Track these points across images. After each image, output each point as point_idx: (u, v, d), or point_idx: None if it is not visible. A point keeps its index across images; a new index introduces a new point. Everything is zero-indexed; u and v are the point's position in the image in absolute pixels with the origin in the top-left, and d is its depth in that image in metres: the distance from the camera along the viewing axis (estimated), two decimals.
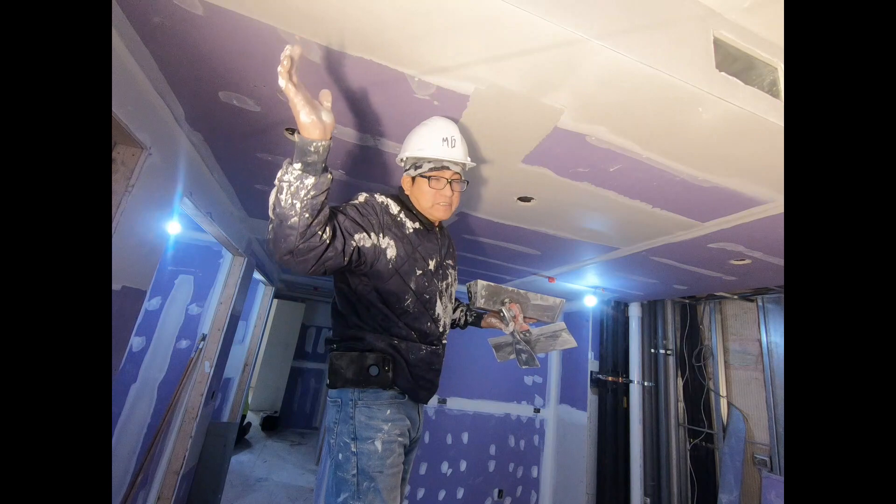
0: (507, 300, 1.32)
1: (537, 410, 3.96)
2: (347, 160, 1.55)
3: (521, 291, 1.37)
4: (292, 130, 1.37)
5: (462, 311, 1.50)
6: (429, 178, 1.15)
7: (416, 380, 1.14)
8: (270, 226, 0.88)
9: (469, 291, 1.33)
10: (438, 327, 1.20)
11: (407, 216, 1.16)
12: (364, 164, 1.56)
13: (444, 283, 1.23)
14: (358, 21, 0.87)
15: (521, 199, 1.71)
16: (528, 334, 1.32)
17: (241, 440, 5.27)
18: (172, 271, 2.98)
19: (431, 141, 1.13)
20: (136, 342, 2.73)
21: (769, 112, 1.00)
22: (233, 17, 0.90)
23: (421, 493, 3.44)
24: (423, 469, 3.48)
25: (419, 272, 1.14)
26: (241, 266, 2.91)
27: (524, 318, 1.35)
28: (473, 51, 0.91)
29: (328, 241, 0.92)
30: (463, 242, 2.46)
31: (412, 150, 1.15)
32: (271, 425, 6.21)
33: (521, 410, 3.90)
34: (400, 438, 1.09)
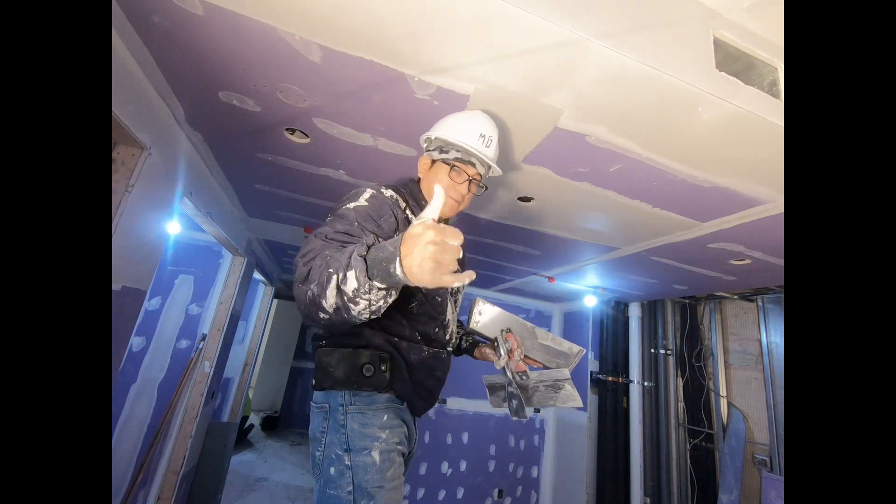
0: (506, 329, 1.13)
1: (537, 410, 3.96)
2: (347, 160, 1.55)
3: (531, 326, 1.17)
4: (292, 130, 1.37)
5: (459, 333, 1.32)
6: (452, 166, 1.05)
7: (416, 385, 1.03)
8: (324, 315, 0.74)
9: (470, 310, 1.18)
10: (446, 334, 1.12)
11: (413, 212, 1.04)
12: (364, 163, 1.56)
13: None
14: (358, 21, 0.87)
15: (521, 199, 1.71)
16: (524, 377, 1.10)
17: (242, 440, 5.27)
18: (172, 271, 2.98)
19: (468, 131, 1.04)
20: (136, 342, 2.73)
21: (769, 112, 1.00)
22: (233, 17, 0.90)
23: (421, 492, 3.44)
24: (423, 469, 3.48)
25: None
26: (241, 266, 2.91)
27: (525, 357, 1.14)
28: (473, 51, 0.91)
29: None
30: (463, 242, 2.46)
31: (444, 132, 1.05)
32: (271, 425, 6.21)
33: None
34: (399, 447, 0.98)
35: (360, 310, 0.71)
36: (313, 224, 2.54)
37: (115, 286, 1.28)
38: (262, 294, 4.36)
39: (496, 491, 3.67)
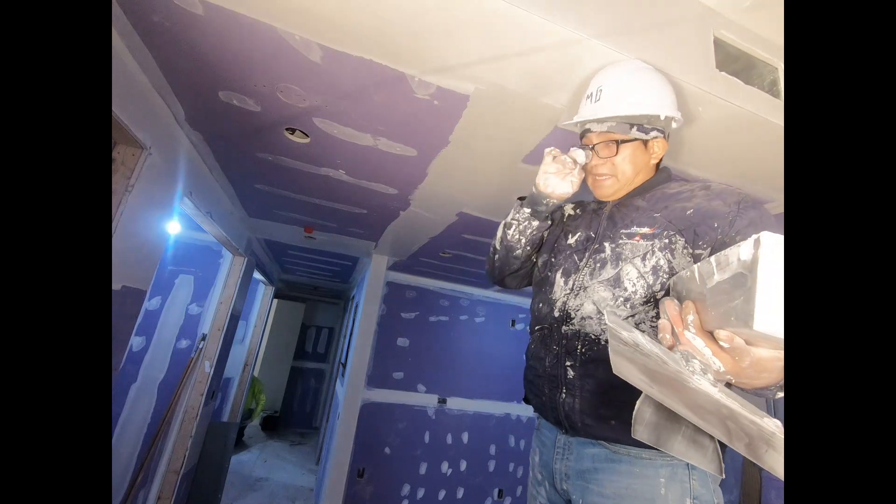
0: (665, 299, 0.60)
1: None
2: (347, 160, 1.55)
3: (689, 272, 0.58)
4: (292, 130, 1.37)
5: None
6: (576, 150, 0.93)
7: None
8: (496, 255, 1.08)
9: None
10: (554, 310, 0.98)
11: (576, 209, 1.05)
12: (364, 163, 1.56)
13: None
14: (358, 20, 0.87)
15: (521, 198, 1.70)
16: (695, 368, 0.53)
17: (240, 441, 5.26)
18: (172, 271, 2.98)
19: (581, 103, 0.92)
20: (136, 342, 2.73)
21: (769, 112, 1.00)
22: (233, 17, 0.90)
23: (421, 492, 3.44)
24: (423, 469, 3.48)
25: None
26: (241, 266, 2.91)
27: (694, 325, 0.54)
28: (473, 50, 0.91)
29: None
30: (463, 242, 2.46)
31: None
32: (271, 425, 6.21)
33: (522, 410, 3.89)
34: None
35: (513, 234, 1.01)
36: (313, 224, 2.54)
37: (115, 286, 1.28)
38: (262, 294, 4.36)
39: (496, 491, 3.67)
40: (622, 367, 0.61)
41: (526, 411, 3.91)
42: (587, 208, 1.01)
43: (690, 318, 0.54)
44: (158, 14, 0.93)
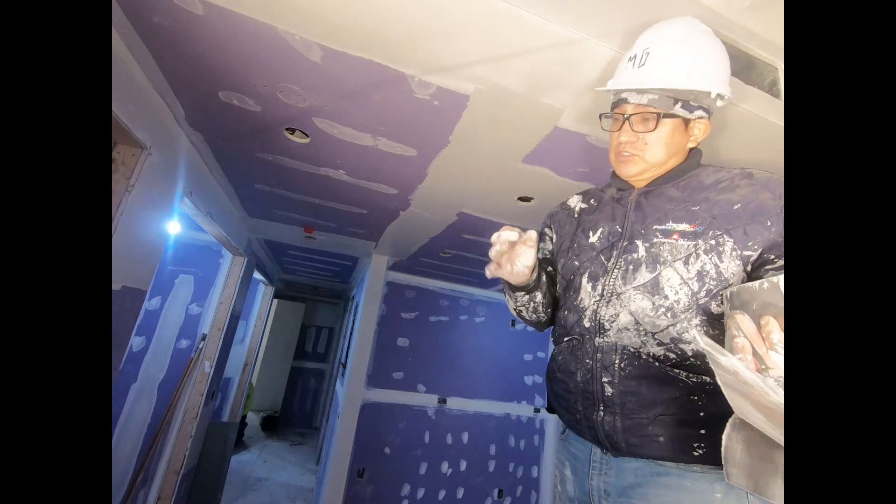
0: (735, 313, 0.53)
1: (537, 410, 3.96)
2: (347, 160, 1.55)
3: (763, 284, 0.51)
4: (292, 130, 1.38)
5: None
6: (601, 117, 0.83)
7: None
8: (525, 323, 1.03)
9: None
10: (583, 318, 0.92)
11: (590, 200, 0.94)
12: (364, 163, 1.56)
13: None
14: (358, 21, 0.87)
15: (521, 199, 1.70)
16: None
17: (240, 441, 5.26)
18: (172, 271, 2.98)
19: (621, 64, 0.80)
20: (136, 342, 2.73)
21: (769, 112, 1.00)
22: (232, 17, 0.90)
23: (421, 492, 3.44)
24: (423, 469, 3.48)
25: None
26: (241, 266, 2.91)
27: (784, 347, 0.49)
28: (473, 50, 0.91)
29: None
30: (463, 242, 2.46)
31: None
32: (271, 425, 6.21)
33: (522, 410, 3.90)
34: None
35: (529, 316, 0.96)
36: (313, 224, 2.54)
37: (115, 286, 1.28)
38: (262, 294, 4.36)
39: (496, 491, 3.67)
40: (739, 404, 0.51)
41: (526, 411, 3.91)
42: (603, 197, 0.89)
43: (778, 337, 0.49)
44: (158, 14, 0.93)
